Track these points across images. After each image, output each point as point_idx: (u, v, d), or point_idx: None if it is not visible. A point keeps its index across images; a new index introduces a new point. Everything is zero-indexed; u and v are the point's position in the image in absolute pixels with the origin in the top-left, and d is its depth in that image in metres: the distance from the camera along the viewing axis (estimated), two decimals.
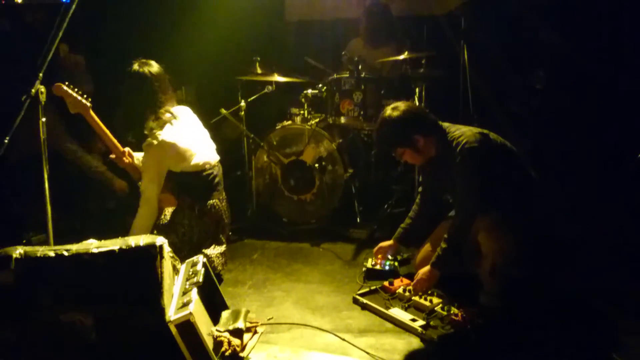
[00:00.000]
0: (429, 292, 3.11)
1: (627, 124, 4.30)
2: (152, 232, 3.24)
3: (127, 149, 3.48)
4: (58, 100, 3.20)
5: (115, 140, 3.40)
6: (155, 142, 3.23)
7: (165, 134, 3.25)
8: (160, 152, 3.25)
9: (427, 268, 3.09)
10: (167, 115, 3.33)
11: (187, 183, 3.38)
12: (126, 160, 3.46)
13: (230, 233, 3.85)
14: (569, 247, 3.42)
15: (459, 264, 3.09)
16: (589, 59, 4.32)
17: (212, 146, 3.56)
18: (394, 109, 3.12)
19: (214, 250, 3.44)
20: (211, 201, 3.44)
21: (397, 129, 3.09)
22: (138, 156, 3.50)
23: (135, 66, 3.30)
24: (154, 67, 3.33)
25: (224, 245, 3.54)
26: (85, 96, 3.24)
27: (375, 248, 3.54)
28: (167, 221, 3.42)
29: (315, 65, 5.09)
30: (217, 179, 3.50)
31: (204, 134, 3.55)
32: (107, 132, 3.36)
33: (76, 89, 3.21)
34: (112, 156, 3.48)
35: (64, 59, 4.51)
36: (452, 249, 3.00)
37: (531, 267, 2.98)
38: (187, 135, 3.37)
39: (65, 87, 3.16)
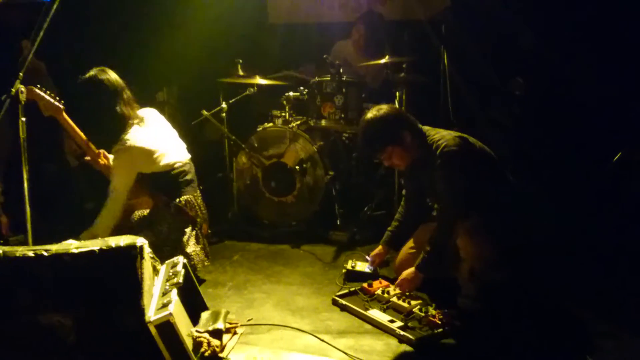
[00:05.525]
0: (407, 293, 3.14)
1: (605, 128, 4.37)
2: (130, 232, 3.24)
3: (102, 151, 3.48)
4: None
5: (89, 142, 3.40)
6: (124, 147, 3.25)
7: (135, 139, 3.27)
8: (130, 157, 3.28)
9: (411, 270, 3.12)
10: (134, 119, 3.34)
11: (159, 181, 3.41)
12: (101, 162, 3.47)
13: (209, 231, 3.85)
14: (546, 251, 3.47)
15: (442, 267, 3.12)
16: (567, 64, 4.39)
17: (182, 145, 3.58)
18: (377, 110, 3.14)
19: (193, 248, 3.44)
20: (185, 197, 3.45)
21: (385, 126, 3.10)
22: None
23: (92, 73, 3.28)
24: (111, 74, 3.32)
25: (203, 243, 3.55)
26: (57, 98, 3.23)
27: (371, 260, 3.48)
28: (143, 220, 3.43)
29: (293, 75, 5.10)
30: (189, 176, 3.52)
31: (173, 134, 3.57)
32: (81, 134, 3.36)
33: (48, 91, 3.19)
34: (87, 158, 3.48)
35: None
36: (437, 253, 3.03)
37: (509, 271, 3.00)
38: (155, 136, 3.39)
39: (37, 90, 3.14)
